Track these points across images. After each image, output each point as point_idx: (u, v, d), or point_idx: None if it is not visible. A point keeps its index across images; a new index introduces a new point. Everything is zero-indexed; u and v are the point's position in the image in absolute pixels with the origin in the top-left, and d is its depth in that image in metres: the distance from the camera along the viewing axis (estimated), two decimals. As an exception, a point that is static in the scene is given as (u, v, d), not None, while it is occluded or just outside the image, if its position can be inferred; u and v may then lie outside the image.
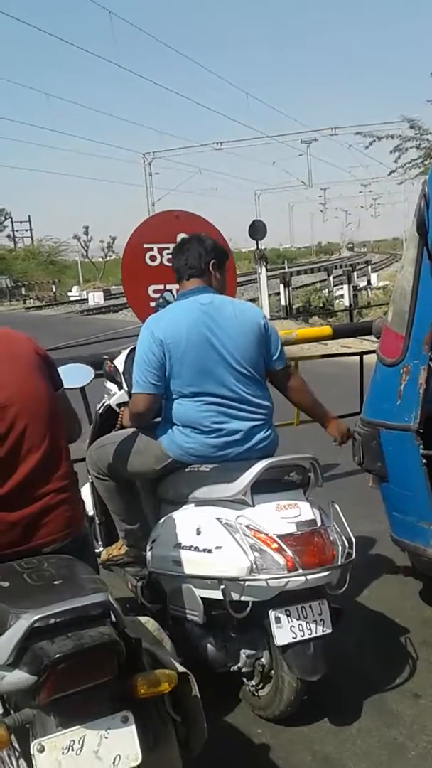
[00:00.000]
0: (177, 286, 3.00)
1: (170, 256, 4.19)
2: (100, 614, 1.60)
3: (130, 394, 3.03)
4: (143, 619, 1.96)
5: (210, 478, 2.57)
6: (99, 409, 3.19)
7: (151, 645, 1.79)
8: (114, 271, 42.90)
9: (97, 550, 3.06)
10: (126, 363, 3.07)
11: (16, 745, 1.60)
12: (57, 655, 1.50)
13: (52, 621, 1.54)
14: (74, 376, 2.62)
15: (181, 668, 1.75)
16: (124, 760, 1.56)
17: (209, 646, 2.52)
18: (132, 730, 1.58)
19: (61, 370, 2.27)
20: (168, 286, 4.24)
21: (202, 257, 2.82)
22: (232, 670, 2.50)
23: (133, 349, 3.07)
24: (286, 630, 2.33)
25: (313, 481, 2.53)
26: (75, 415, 2.33)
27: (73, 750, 1.52)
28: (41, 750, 1.51)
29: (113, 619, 1.62)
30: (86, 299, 31.23)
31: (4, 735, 1.51)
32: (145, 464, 2.77)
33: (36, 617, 1.53)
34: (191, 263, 2.81)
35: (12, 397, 1.94)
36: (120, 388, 3.10)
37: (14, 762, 1.60)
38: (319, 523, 2.43)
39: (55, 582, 1.73)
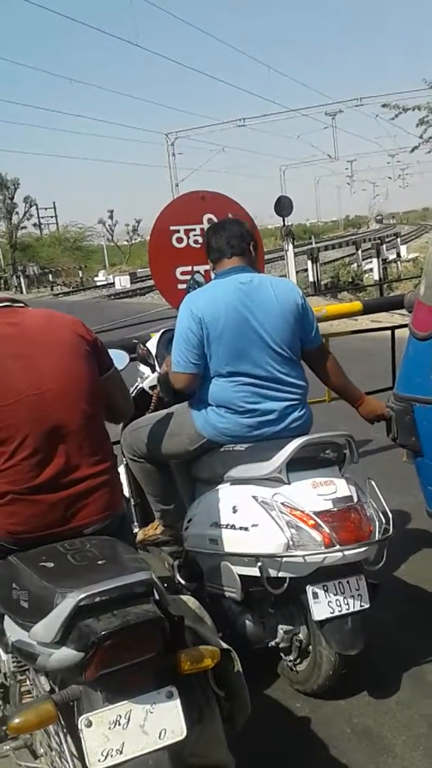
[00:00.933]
0: (206, 266, 2.99)
1: (197, 238, 4.20)
2: (144, 592, 1.63)
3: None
4: (185, 597, 1.99)
5: (245, 457, 2.58)
6: (132, 392, 3.22)
7: (194, 622, 1.82)
8: (140, 254, 42.93)
9: (133, 531, 3.11)
10: (158, 346, 3.09)
11: (63, 722, 1.65)
12: (103, 632, 1.53)
13: (97, 599, 1.57)
14: None
15: (223, 644, 1.78)
16: (170, 735, 1.59)
17: (247, 622, 2.54)
18: (177, 704, 1.61)
19: None
20: (195, 268, 4.24)
21: (244, 237, 2.82)
22: (270, 645, 2.53)
23: (166, 332, 3.09)
24: (323, 605, 2.35)
25: (349, 457, 2.53)
26: (127, 400, 2.37)
27: (119, 725, 1.56)
28: (89, 725, 1.54)
29: (157, 597, 1.65)
30: (113, 283, 31.33)
31: (52, 710, 1.55)
32: (180, 445, 2.79)
33: (82, 595, 1.56)
34: (233, 242, 2.80)
35: (49, 382, 1.98)
36: (153, 370, 3.12)
37: (62, 737, 1.64)
38: (355, 499, 2.44)
39: (99, 562, 1.76)
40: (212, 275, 2.87)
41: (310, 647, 2.48)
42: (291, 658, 2.55)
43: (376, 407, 3.00)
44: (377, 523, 2.41)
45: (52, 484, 1.96)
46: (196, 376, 2.70)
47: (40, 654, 1.63)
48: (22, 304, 2.16)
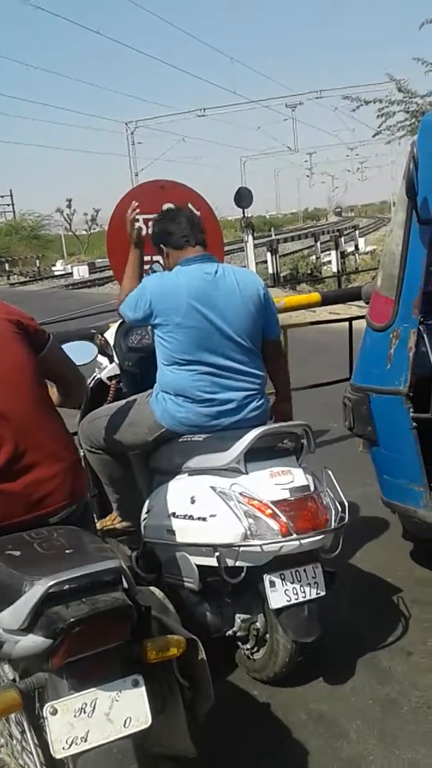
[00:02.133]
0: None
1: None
2: (112, 580, 1.64)
3: (121, 368, 3.03)
4: (150, 588, 2.01)
5: (203, 448, 2.59)
6: (90, 383, 3.19)
7: (159, 612, 1.83)
8: (98, 244, 42.38)
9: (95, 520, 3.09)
10: (116, 336, 3.07)
11: (26, 710, 1.64)
12: (72, 619, 1.54)
13: (66, 587, 1.57)
14: (78, 353, 2.60)
15: (188, 634, 1.79)
16: (135, 723, 1.60)
17: (205, 612, 2.56)
18: (142, 693, 1.62)
19: (64, 348, 2.26)
20: (154, 258, 4.21)
21: (201, 226, 2.83)
22: (227, 634, 2.56)
23: (123, 323, 3.07)
24: (280, 593, 2.38)
25: (306, 447, 2.56)
26: (75, 371, 2.32)
27: (85, 712, 1.57)
28: (54, 713, 1.55)
29: (125, 585, 1.66)
30: (71, 273, 30.92)
31: (17, 698, 1.55)
32: (138, 435, 2.78)
33: (52, 582, 1.56)
34: (195, 230, 2.80)
35: None
36: (111, 361, 3.10)
37: (25, 725, 1.65)
38: (312, 488, 2.47)
39: (67, 551, 1.77)
40: (160, 263, 2.86)
41: (267, 635, 2.51)
42: (248, 646, 2.57)
43: (284, 411, 3.00)
44: (333, 512, 2.45)
45: (8, 472, 1.94)
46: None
47: (5, 641, 1.63)
48: None
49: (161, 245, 2.85)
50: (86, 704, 1.57)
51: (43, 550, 1.77)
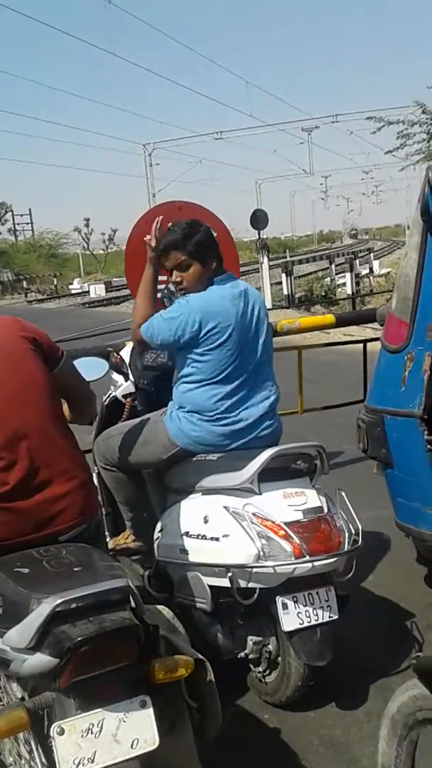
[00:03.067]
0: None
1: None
2: (120, 599, 1.63)
3: (136, 386, 3.05)
4: (159, 607, 2.00)
5: (217, 467, 2.59)
6: (105, 401, 3.21)
7: (168, 632, 1.82)
8: (115, 263, 42.82)
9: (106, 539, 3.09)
10: (132, 354, 3.09)
11: (34, 730, 1.63)
12: (79, 638, 1.53)
13: (74, 605, 1.57)
14: (89, 369, 2.61)
15: (197, 654, 1.78)
16: (142, 744, 1.59)
17: (217, 633, 2.55)
18: (150, 714, 1.61)
19: (75, 363, 2.28)
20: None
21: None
22: (239, 656, 2.54)
23: None
24: (293, 616, 2.36)
25: (320, 468, 2.55)
26: (86, 389, 2.32)
27: (92, 733, 1.55)
28: (61, 732, 1.54)
29: (133, 604, 1.65)
30: (87, 292, 31.19)
31: (24, 717, 1.54)
32: (153, 454, 2.79)
33: (59, 601, 1.56)
34: (218, 249, 2.78)
35: None
36: (126, 379, 3.12)
37: (33, 745, 1.63)
38: (325, 510, 2.46)
39: (75, 569, 1.76)
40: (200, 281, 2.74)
41: (279, 658, 2.48)
42: (260, 669, 2.55)
43: None
44: (347, 534, 2.43)
45: (22, 489, 1.95)
46: (148, 346, 2.77)
47: (13, 660, 1.62)
48: None
49: (203, 257, 2.72)
50: (93, 724, 1.56)
51: (51, 568, 1.77)
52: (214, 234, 2.87)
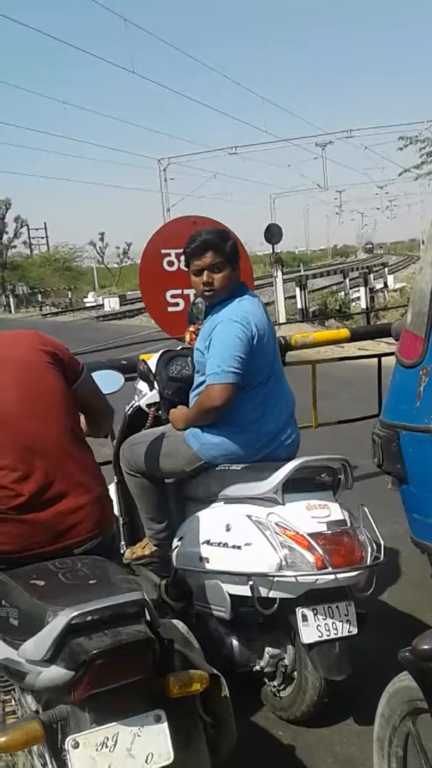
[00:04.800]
0: (194, 290, 2.99)
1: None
2: (136, 612, 1.63)
3: (161, 395, 3.06)
4: (174, 621, 1.99)
5: (240, 477, 2.60)
6: (128, 410, 3.22)
7: (183, 646, 1.82)
8: (129, 276, 43.07)
9: (120, 551, 3.10)
10: (158, 365, 3.11)
11: (49, 743, 1.63)
12: (95, 651, 1.53)
13: (89, 618, 1.57)
14: (105, 382, 2.63)
15: (212, 669, 1.77)
16: (156, 759, 1.58)
17: (234, 643, 2.54)
18: (164, 728, 1.60)
19: (93, 376, 2.30)
20: (185, 291, 4.28)
21: None
22: (254, 669, 2.53)
23: (165, 352, 3.12)
24: (312, 628, 2.35)
25: (344, 482, 2.55)
26: (104, 403, 2.33)
27: (106, 747, 1.55)
28: (76, 746, 1.53)
29: (148, 618, 1.65)
30: (102, 305, 31.36)
31: (39, 730, 1.54)
32: (176, 465, 2.81)
33: (74, 614, 1.55)
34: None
35: (11, 402, 1.97)
36: (151, 388, 3.14)
37: (47, 758, 1.63)
38: (348, 523, 2.46)
39: (91, 581, 1.76)
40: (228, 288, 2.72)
41: (295, 673, 2.47)
42: (275, 683, 2.54)
43: None
44: (369, 549, 2.42)
45: (36, 501, 1.95)
46: (236, 387, 2.57)
47: (28, 672, 1.63)
48: None
49: (236, 262, 2.73)
50: (108, 738, 1.56)
51: (66, 580, 1.77)
52: None
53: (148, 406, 3.12)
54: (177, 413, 2.79)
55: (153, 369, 3.12)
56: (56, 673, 1.57)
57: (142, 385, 3.19)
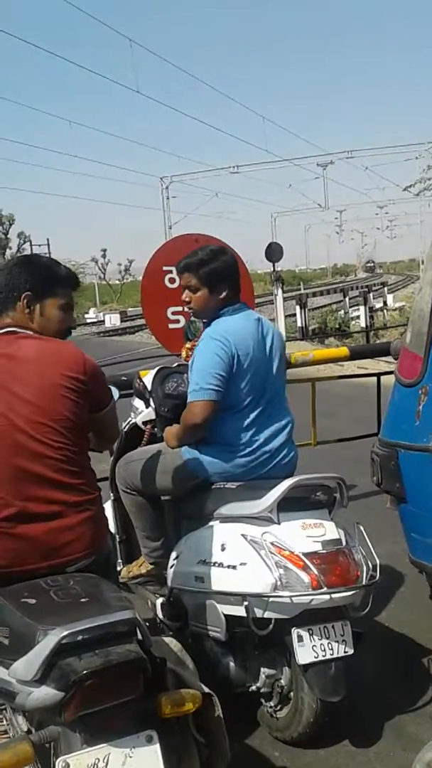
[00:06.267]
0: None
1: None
2: (127, 632, 1.61)
3: (156, 413, 3.06)
4: (167, 639, 1.97)
5: (236, 495, 2.59)
6: (124, 427, 3.22)
7: (175, 665, 1.80)
8: (131, 293, 43.22)
9: (117, 569, 3.08)
10: (154, 382, 3.11)
11: (39, 764, 1.61)
12: (85, 671, 1.51)
13: (80, 637, 1.55)
14: None
15: (205, 689, 1.75)
16: None
17: (230, 664, 2.52)
18: (156, 749, 1.58)
19: None
20: (187, 308, 4.29)
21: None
22: (250, 690, 2.50)
23: (161, 369, 3.12)
24: (308, 649, 2.33)
25: (339, 501, 2.54)
26: (116, 427, 2.36)
27: None
28: (66, 767, 1.51)
29: (140, 637, 1.63)
30: (103, 321, 31.45)
31: (29, 751, 1.52)
32: (173, 482, 2.79)
33: (64, 633, 1.54)
34: (238, 278, 2.81)
35: (22, 417, 1.96)
36: (147, 405, 3.14)
37: None
38: (344, 542, 2.44)
39: (82, 600, 1.74)
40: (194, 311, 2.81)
41: (292, 693, 2.44)
42: (272, 704, 2.51)
43: None
44: (365, 569, 2.41)
45: (30, 515, 1.94)
46: (216, 405, 2.59)
47: (19, 692, 1.60)
48: (26, 332, 2.10)
49: (213, 285, 2.74)
50: (99, 759, 1.54)
51: (58, 598, 1.75)
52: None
53: (145, 423, 3.12)
54: (170, 431, 2.80)
55: (149, 386, 3.12)
56: (46, 693, 1.55)
57: (138, 402, 3.19)
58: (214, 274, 2.73)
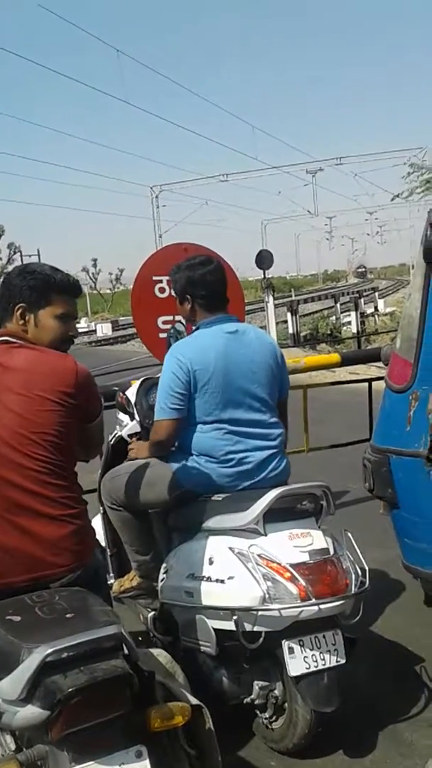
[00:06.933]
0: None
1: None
2: (112, 647, 1.59)
3: (142, 425, 3.05)
4: (155, 651, 1.95)
5: (222, 507, 2.57)
6: (110, 440, 3.20)
7: (164, 678, 1.78)
8: (122, 302, 43.23)
9: (109, 582, 3.05)
10: (138, 394, 3.10)
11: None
12: (70, 689, 1.49)
13: (64, 655, 1.53)
14: None
15: (194, 701, 1.73)
16: None
17: (222, 677, 2.50)
18: (146, 765, 1.56)
19: None
20: (177, 317, 4.29)
21: (225, 283, 2.85)
22: (245, 702, 2.48)
23: (145, 380, 3.10)
24: (299, 660, 2.31)
25: (326, 509, 2.53)
26: (102, 435, 2.33)
27: None
28: None
29: (126, 651, 1.61)
30: (94, 330, 31.43)
31: None
32: (159, 494, 2.77)
33: (48, 651, 1.52)
34: (221, 291, 2.81)
35: (8, 429, 1.95)
36: (132, 418, 3.12)
37: None
38: (331, 551, 2.43)
39: (67, 615, 1.72)
40: (195, 323, 2.84)
41: (286, 704, 2.42)
42: (266, 715, 2.49)
43: None
44: (354, 576, 2.39)
45: (8, 527, 1.92)
46: (179, 423, 2.68)
47: (5, 712, 1.58)
48: (19, 342, 2.08)
49: (186, 297, 2.80)
50: None
51: (43, 615, 1.73)
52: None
53: (130, 436, 3.10)
54: (143, 445, 2.88)
55: (132, 399, 3.11)
56: (32, 712, 1.53)
57: (122, 416, 3.18)
58: (177, 287, 2.84)
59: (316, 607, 2.28)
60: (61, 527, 1.99)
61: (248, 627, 2.34)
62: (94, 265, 51.13)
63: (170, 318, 4.27)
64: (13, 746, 1.68)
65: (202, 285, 2.78)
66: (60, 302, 2.15)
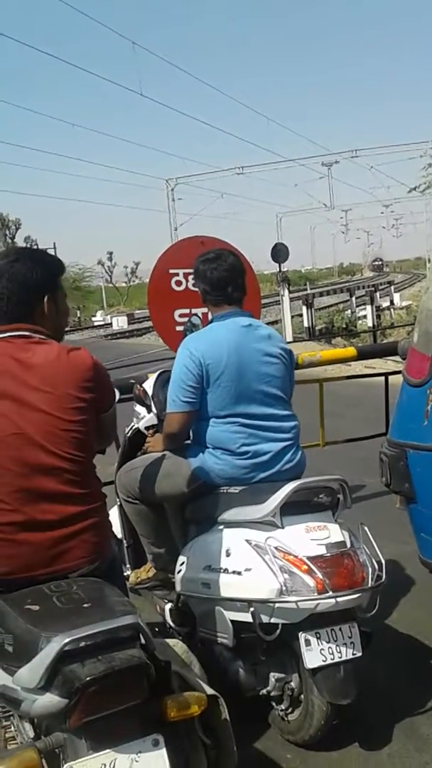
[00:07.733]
0: (204, 309, 3.03)
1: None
2: (129, 636, 1.61)
3: (159, 417, 3.06)
4: (172, 641, 1.95)
5: (239, 500, 2.58)
6: (127, 433, 3.21)
7: (181, 668, 1.79)
8: (137, 295, 43.28)
9: (125, 573, 3.07)
10: (155, 386, 3.10)
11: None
12: (88, 678, 1.51)
13: (82, 644, 1.55)
14: None
15: (210, 690, 1.74)
16: None
17: (239, 669, 2.51)
18: (163, 753, 1.58)
19: None
20: (194, 310, 4.29)
21: (242, 275, 2.86)
22: (261, 693, 2.49)
23: (162, 373, 3.11)
24: (316, 653, 2.32)
25: (342, 502, 2.52)
26: (113, 433, 2.33)
27: None
28: None
29: (143, 641, 1.62)
30: (110, 324, 31.53)
31: (35, 758, 1.51)
32: (175, 487, 2.78)
33: (67, 640, 1.54)
34: (240, 284, 2.83)
35: (33, 425, 1.95)
36: (149, 411, 3.13)
37: None
38: (348, 545, 2.43)
39: (85, 605, 1.73)
40: (209, 316, 2.89)
41: (302, 696, 2.43)
42: (283, 707, 2.50)
43: None
44: (370, 570, 2.39)
45: (35, 523, 1.93)
46: (191, 415, 2.69)
47: (24, 700, 1.60)
48: (40, 337, 2.06)
49: (200, 291, 2.87)
50: (105, 765, 1.53)
51: (61, 604, 1.74)
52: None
53: (147, 428, 3.11)
54: (159, 438, 2.90)
55: (150, 391, 3.11)
56: (50, 700, 1.55)
57: (139, 408, 3.19)
58: (197, 280, 2.89)
59: (332, 600, 2.29)
60: (81, 522, 1.99)
61: (265, 619, 2.35)
62: (110, 259, 51.21)
63: (187, 311, 4.27)
64: (31, 734, 1.70)
65: (207, 281, 2.82)
66: (60, 284, 2.17)
